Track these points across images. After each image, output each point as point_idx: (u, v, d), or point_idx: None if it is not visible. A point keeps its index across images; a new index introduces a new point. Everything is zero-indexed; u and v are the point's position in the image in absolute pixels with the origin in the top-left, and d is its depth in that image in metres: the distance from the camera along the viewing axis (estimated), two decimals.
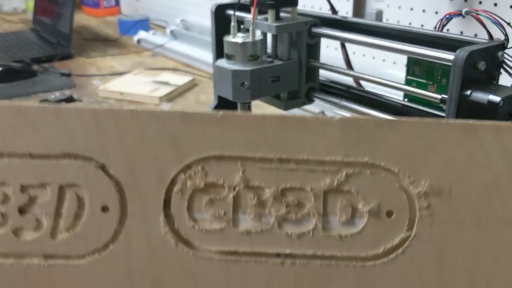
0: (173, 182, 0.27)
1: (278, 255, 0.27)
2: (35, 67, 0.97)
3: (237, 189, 0.27)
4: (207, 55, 0.91)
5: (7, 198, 0.27)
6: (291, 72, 0.61)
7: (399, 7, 0.70)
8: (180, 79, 0.90)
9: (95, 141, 0.27)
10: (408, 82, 0.56)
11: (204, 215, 0.27)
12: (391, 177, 0.26)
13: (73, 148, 0.27)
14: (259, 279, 0.27)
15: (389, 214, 0.27)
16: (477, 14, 0.50)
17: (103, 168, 0.27)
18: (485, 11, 0.50)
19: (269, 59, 0.62)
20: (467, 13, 0.51)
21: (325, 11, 0.75)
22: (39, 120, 0.27)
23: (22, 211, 0.28)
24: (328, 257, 0.27)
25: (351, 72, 0.62)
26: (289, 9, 0.60)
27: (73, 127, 0.27)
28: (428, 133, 0.26)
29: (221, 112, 0.26)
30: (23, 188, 0.27)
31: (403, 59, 0.61)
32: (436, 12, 0.65)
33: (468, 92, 0.43)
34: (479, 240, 0.26)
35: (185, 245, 0.27)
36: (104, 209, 0.27)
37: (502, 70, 0.46)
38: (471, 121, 0.26)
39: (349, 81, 0.65)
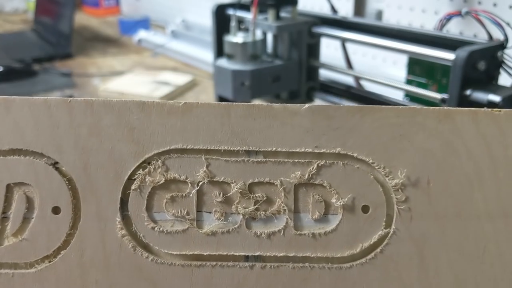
0: (130, 179, 0.25)
1: (247, 257, 0.25)
2: (36, 67, 0.97)
3: (200, 184, 0.25)
4: (207, 55, 0.91)
5: None
6: (291, 72, 0.61)
7: (399, 7, 0.70)
8: (180, 79, 0.90)
9: (47, 134, 0.25)
10: (408, 82, 0.57)
11: (165, 216, 0.25)
12: (365, 168, 0.25)
13: (22, 143, 0.25)
14: (226, 285, 0.25)
15: (365, 209, 0.25)
16: (477, 14, 0.50)
17: (55, 165, 0.25)
18: (485, 11, 0.50)
19: (270, 59, 0.62)
20: (466, 13, 0.51)
21: (326, 11, 0.75)
22: None
23: None
24: (301, 259, 0.25)
25: (351, 72, 0.62)
26: (289, 8, 0.60)
27: (23, 120, 0.25)
28: (402, 120, 0.24)
29: (182, 102, 0.25)
30: None
31: (403, 59, 0.61)
32: (436, 12, 0.65)
33: (468, 92, 0.43)
34: (463, 235, 0.24)
35: (144, 249, 0.25)
36: (56, 210, 0.25)
37: (501, 70, 0.46)
38: (446, 108, 0.25)
39: (349, 81, 0.65)
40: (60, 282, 0.25)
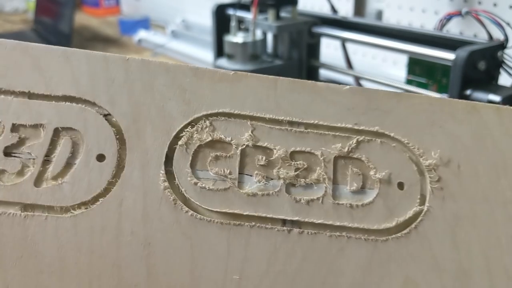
0: (178, 136, 0.26)
1: (284, 222, 0.25)
2: None
3: (244, 146, 0.26)
4: (207, 55, 0.91)
5: None
6: (291, 72, 0.61)
7: (399, 7, 0.70)
8: None
9: (101, 86, 0.26)
10: (408, 82, 0.57)
11: (208, 174, 0.25)
12: (401, 147, 0.26)
13: (76, 91, 0.25)
14: (263, 248, 0.25)
15: (400, 186, 0.25)
16: (477, 14, 0.50)
17: (105, 116, 0.26)
18: (485, 11, 0.50)
19: (270, 59, 0.62)
20: (466, 13, 0.51)
21: (326, 11, 0.75)
22: (45, 61, 0.26)
23: (8, 152, 0.25)
24: (338, 228, 0.25)
25: (351, 72, 0.62)
26: (289, 8, 0.60)
27: (80, 70, 0.26)
28: (434, 108, 0.26)
29: (233, 71, 0.26)
30: (14, 128, 0.25)
31: (403, 59, 0.61)
32: (436, 12, 0.65)
33: (468, 92, 0.43)
34: (492, 220, 0.25)
35: (184, 204, 0.25)
36: (100, 158, 0.25)
37: (501, 70, 0.46)
38: (473, 102, 0.26)
39: (349, 81, 0.65)
40: (94, 230, 0.25)
